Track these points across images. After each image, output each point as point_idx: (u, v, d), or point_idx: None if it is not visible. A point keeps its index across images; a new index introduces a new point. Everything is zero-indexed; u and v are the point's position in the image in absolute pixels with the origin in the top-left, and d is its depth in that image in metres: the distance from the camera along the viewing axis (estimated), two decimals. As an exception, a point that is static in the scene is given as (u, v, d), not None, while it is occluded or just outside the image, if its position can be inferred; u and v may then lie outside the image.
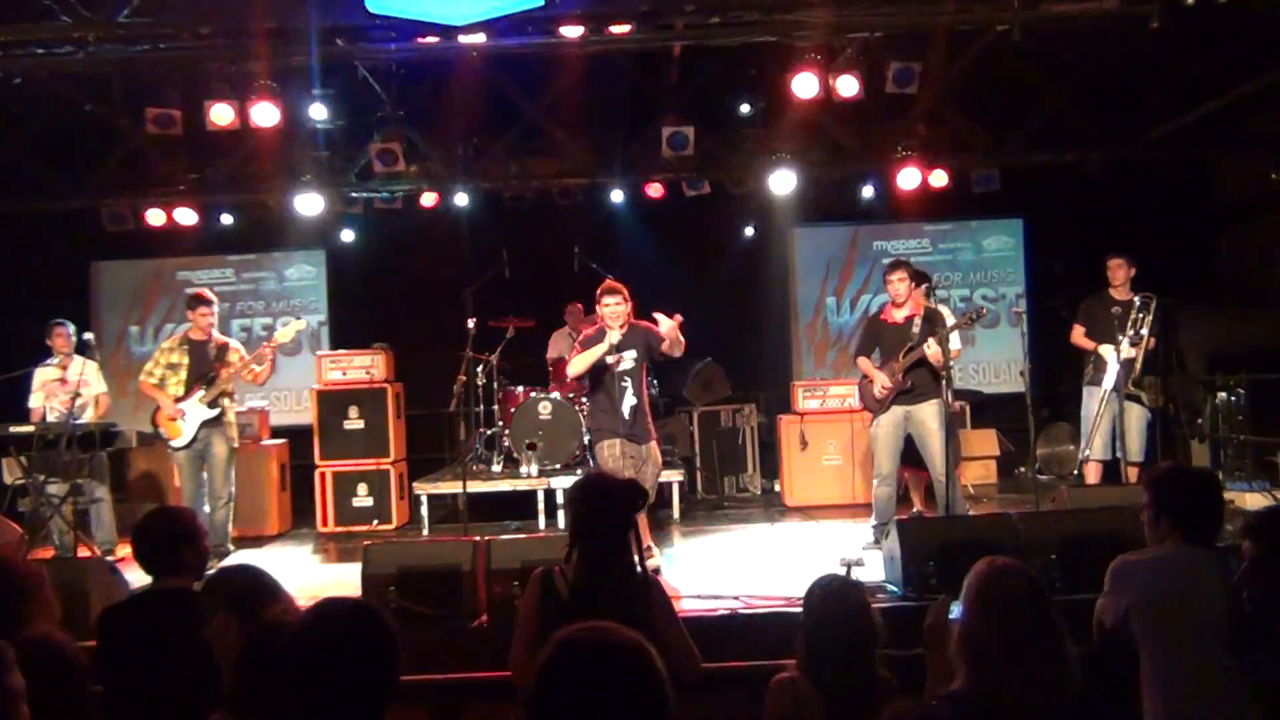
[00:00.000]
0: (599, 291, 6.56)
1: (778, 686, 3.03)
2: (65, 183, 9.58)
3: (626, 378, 6.49)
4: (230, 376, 7.21)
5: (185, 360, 7.22)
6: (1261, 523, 2.97)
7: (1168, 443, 8.41)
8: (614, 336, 6.42)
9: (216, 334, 7.49)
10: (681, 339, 6.45)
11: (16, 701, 2.17)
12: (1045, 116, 9.28)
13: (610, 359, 6.43)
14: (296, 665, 2.18)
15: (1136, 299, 7.33)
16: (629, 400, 6.49)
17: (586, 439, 8.48)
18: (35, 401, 7.68)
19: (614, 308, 6.44)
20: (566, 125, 9.41)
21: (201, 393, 7.14)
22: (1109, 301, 7.57)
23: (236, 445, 7.41)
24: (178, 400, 7.14)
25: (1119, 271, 7.58)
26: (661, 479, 8.38)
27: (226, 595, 2.97)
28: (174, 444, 7.17)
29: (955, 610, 2.82)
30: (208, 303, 7.38)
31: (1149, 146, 9.28)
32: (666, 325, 6.37)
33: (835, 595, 3.11)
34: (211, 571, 3.48)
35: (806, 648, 3.08)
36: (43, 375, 7.68)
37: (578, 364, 6.55)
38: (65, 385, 7.43)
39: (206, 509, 7.14)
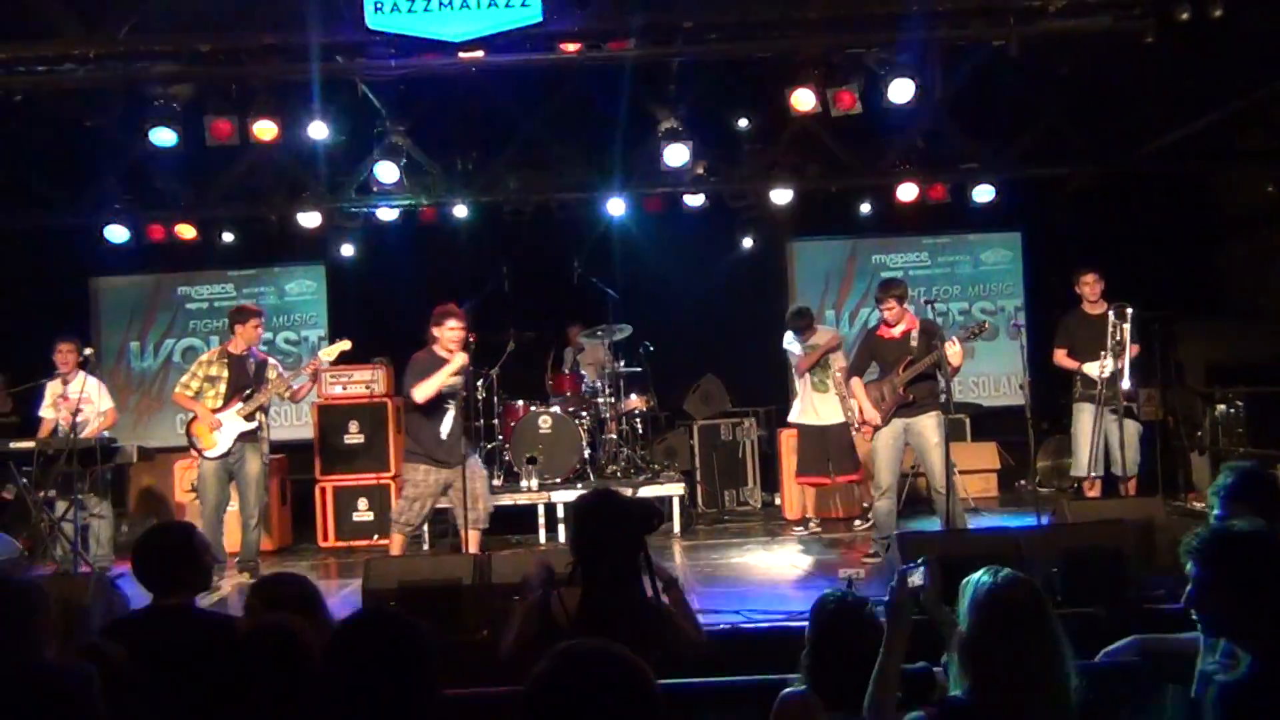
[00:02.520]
0: (439, 314, 6.74)
1: (786, 703, 2.99)
2: (66, 199, 9.61)
3: (450, 401, 6.75)
4: (269, 393, 7.22)
5: (224, 374, 7.24)
6: (1206, 544, 2.90)
7: (1167, 455, 8.41)
8: (461, 359, 6.63)
9: (258, 349, 7.51)
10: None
11: None
12: (1042, 130, 9.33)
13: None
14: (332, 678, 2.18)
15: (1111, 311, 7.31)
16: (448, 423, 6.72)
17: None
18: (47, 413, 7.70)
19: (458, 332, 6.66)
20: (566, 139, 9.46)
21: (240, 405, 7.15)
22: (1082, 317, 7.58)
23: (268, 461, 7.42)
24: (215, 411, 7.16)
25: (1092, 287, 7.57)
26: (662, 493, 8.44)
27: (269, 600, 2.99)
28: (208, 454, 7.16)
29: (916, 578, 2.83)
30: (258, 314, 7.44)
31: (1145, 160, 9.32)
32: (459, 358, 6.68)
33: (844, 611, 3.04)
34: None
35: (813, 663, 3.01)
36: (52, 388, 7.72)
37: (429, 386, 6.62)
38: (67, 401, 7.44)
39: (215, 526, 7.16)
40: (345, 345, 7.57)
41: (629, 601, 3.23)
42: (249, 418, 7.17)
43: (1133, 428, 7.34)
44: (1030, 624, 2.52)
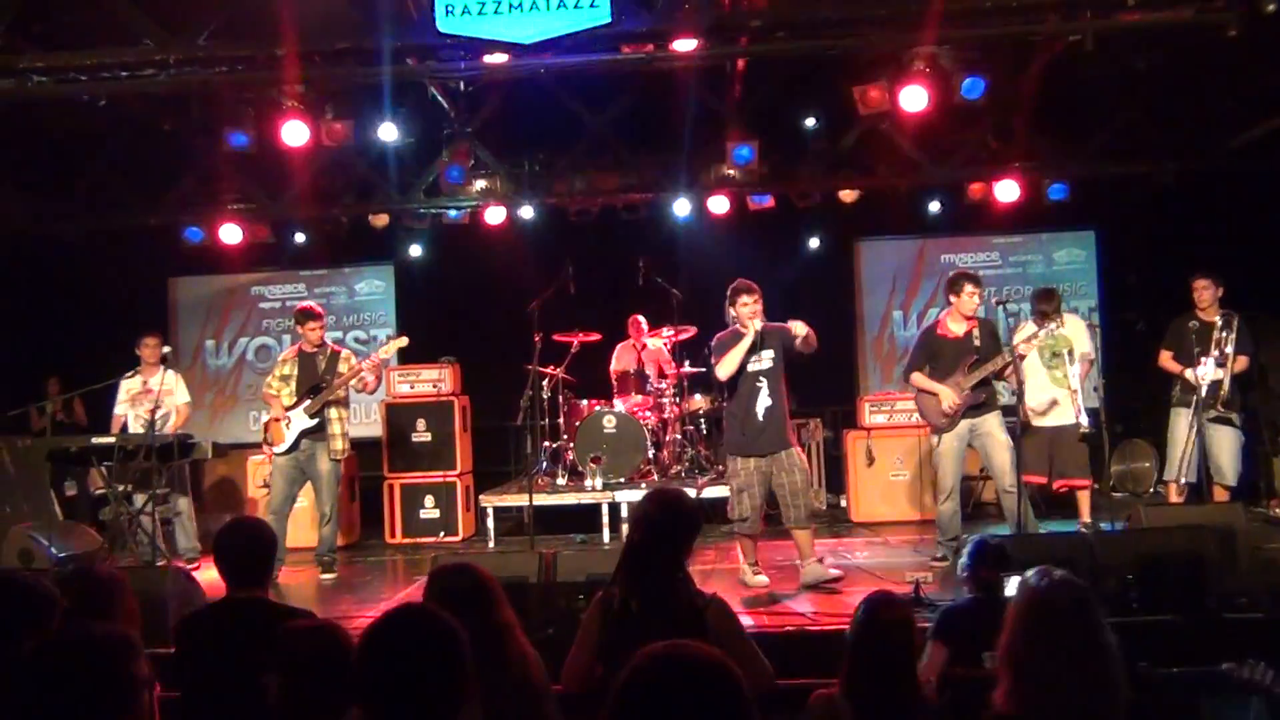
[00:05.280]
0: (732, 291, 6.35)
1: (815, 703, 3.02)
2: (145, 201, 9.88)
3: (762, 378, 6.30)
4: (336, 388, 7.30)
5: (295, 371, 7.39)
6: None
7: (1248, 461, 8.16)
8: (757, 324, 6.22)
9: (330, 343, 7.65)
10: (813, 336, 6.30)
11: (142, 689, 2.22)
12: (1119, 127, 9.12)
13: (750, 359, 6.26)
14: (364, 671, 2.21)
15: (1219, 318, 7.11)
16: (763, 402, 6.27)
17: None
18: (120, 410, 7.92)
19: (752, 306, 6.26)
20: (631, 140, 9.47)
21: (308, 402, 7.26)
22: (1192, 322, 7.37)
23: (340, 459, 7.39)
24: (287, 409, 7.31)
25: (1205, 293, 7.31)
26: (727, 493, 8.36)
27: (441, 592, 3.06)
28: (276, 449, 7.33)
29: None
30: (316, 317, 7.51)
31: (1227, 156, 9.06)
32: (799, 326, 6.27)
33: (876, 609, 3.08)
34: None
35: (848, 663, 3.05)
36: (128, 385, 7.92)
37: (727, 364, 6.26)
38: (150, 395, 7.62)
39: (278, 521, 7.26)
40: (403, 342, 7.71)
41: (669, 596, 3.33)
42: (314, 415, 7.25)
43: (1230, 435, 7.14)
44: (1072, 632, 2.41)
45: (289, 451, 7.28)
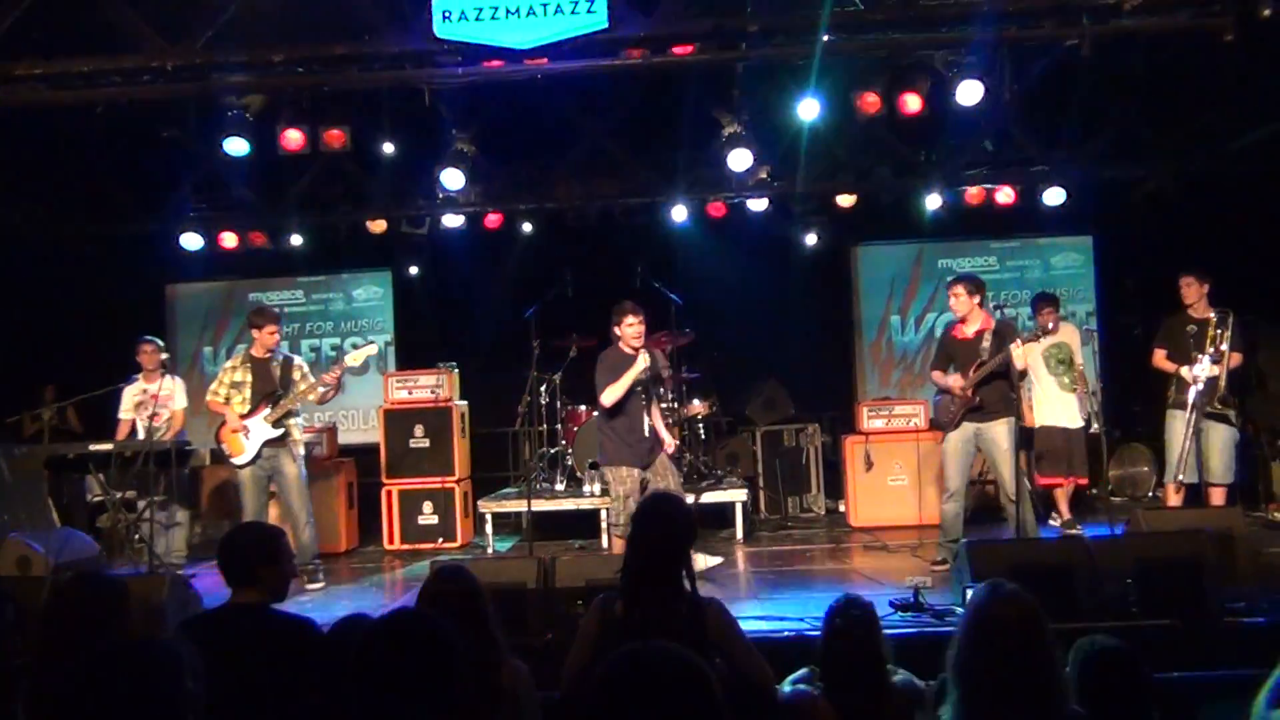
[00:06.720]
0: (617, 312, 6.62)
1: (794, 701, 3.09)
2: (142, 207, 9.87)
3: (644, 396, 6.59)
4: (297, 397, 7.19)
5: (248, 378, 7.21)
6: None
7: (1247, 465, 8.16)
8: (645, 358, 6.50)
9: (283, 350, 7.50)
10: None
11: (193, 705, 2.22)
12: (1117, 131, 9.12)
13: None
14: (358, 674, 2.22)
15: (1214, 315, 7.14)
16: (647, 419, 6.59)
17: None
18: (126, 416, 7.89)
19: (638, 327, 6.52)
20: (629, 145, 9.47)
21: (267, 411, 7.11)
22: (1186, 320, 7.39)
23: (302, 463, 7.33)
24: (242, 417, 7.13)
25: (1190, 290, 7.39)
26: (725, 499, 8.42)
27: (435, 594, 3.14)
28: (236, 460, 7.14)
29: None
30: (275, 320, 7.35)
31: (1225, 161, 9.07)
32: (660, 358, 6.67)
33: (838, 613, 3.21)
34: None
35: (824, 667, 3.18)
36: (132, 392, 7.89)
37: (617, 389, 6.50)
38: (156, 399, 7.59)
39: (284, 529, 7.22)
40: (371, 350, 7.65)
41: (667, 599, 3.35)
42: (276, 424, 7.10)
43: (1224, 433, 7.14)
44: (1020, 646, 2.43)
45: (251, 462, 7.12)
